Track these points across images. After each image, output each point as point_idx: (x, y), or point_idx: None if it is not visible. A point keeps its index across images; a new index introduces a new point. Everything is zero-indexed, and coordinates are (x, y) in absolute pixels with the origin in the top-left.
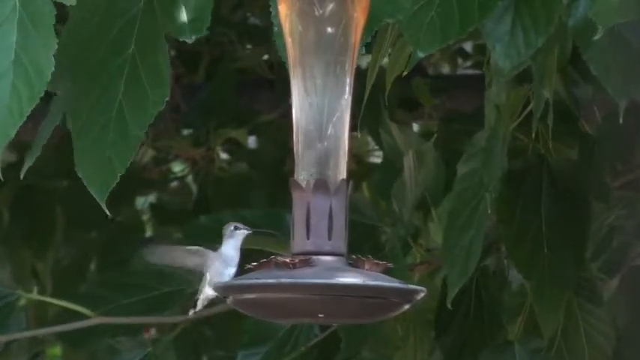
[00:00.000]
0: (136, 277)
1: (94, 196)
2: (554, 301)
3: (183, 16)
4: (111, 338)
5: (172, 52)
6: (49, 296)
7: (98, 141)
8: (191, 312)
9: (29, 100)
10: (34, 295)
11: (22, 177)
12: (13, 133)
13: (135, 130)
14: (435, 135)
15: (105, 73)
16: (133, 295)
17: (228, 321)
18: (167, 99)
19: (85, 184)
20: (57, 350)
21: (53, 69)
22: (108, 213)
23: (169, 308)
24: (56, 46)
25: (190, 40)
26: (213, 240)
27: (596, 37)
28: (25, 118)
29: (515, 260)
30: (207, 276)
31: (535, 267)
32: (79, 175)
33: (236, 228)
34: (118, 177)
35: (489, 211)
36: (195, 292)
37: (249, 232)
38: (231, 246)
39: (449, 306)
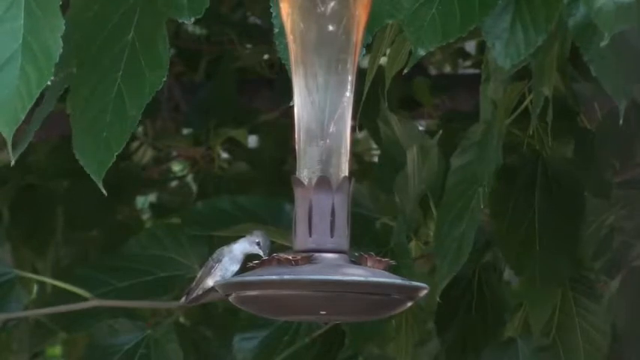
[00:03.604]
0: (131, 261)
1: (91, 176)
2: (545, 297)
3: None
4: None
5: (172, 51)
6: (49, 296)
7: (96, 122)
8: (182, 300)
9: (38, 83)
10: (31, 274)
11: (12, 162)
12: (23, 116)
13: (132, 110)
14: (441, 132)
15: (105, 58)
16: (129, 279)
17: (227, 320)
18: (164, 79)
19: (82, 165)
20: (57, 350)
21: (61, 51)
22: (104, 192)
23: (166, 293)
24: (63, 28)
25: (190, 21)
26: (210, 226)
27: (603, 44)
28: (33, 101)
29: (506, 255)
30: (215, 269)
31: (526, 263)
32: (77, 156)
33: (259, 244)
34: (114, 156)
35: (482, 206)
36: (193, 279)
37: (263, 256)
38: (243, 250)
39: (437, 299)
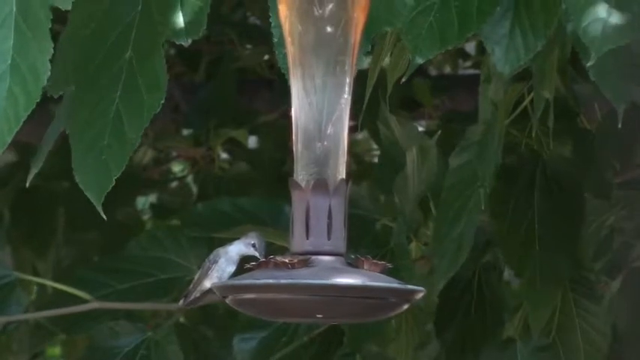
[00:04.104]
0: (132, 263)
1: (91, 199)
2: (545, 298)
3: (180, 20)
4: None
5: (172, 52)
6: (50, 296)
7: (94, 144)
8: (180, 302)
9: (26, 105)
10: (31, 277)
11: (27, 184)
12: (9, 139)
13: (131, 133)
14: (440, 132)
15: (103, 77)
16: (129, 281)
17: (228, 321)
18: (162, 102)
19: (82, 188)
20: (56, 350)
21: (49, 73)
22: (104, 216)
23: (166, 295)
24: (52, 51)
25: (187, 42)
26: (210, 228)
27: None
28: (21, 124)
29: (506, 256)
30: (211, 271)
31: (526, 263)
32: (76, 178)
33: (254, 246)
34: (114, 180)
35: (482, 207)
36: (192, 281)
37: (259, 257)
38: (239, 251)
39: (435, 298)
